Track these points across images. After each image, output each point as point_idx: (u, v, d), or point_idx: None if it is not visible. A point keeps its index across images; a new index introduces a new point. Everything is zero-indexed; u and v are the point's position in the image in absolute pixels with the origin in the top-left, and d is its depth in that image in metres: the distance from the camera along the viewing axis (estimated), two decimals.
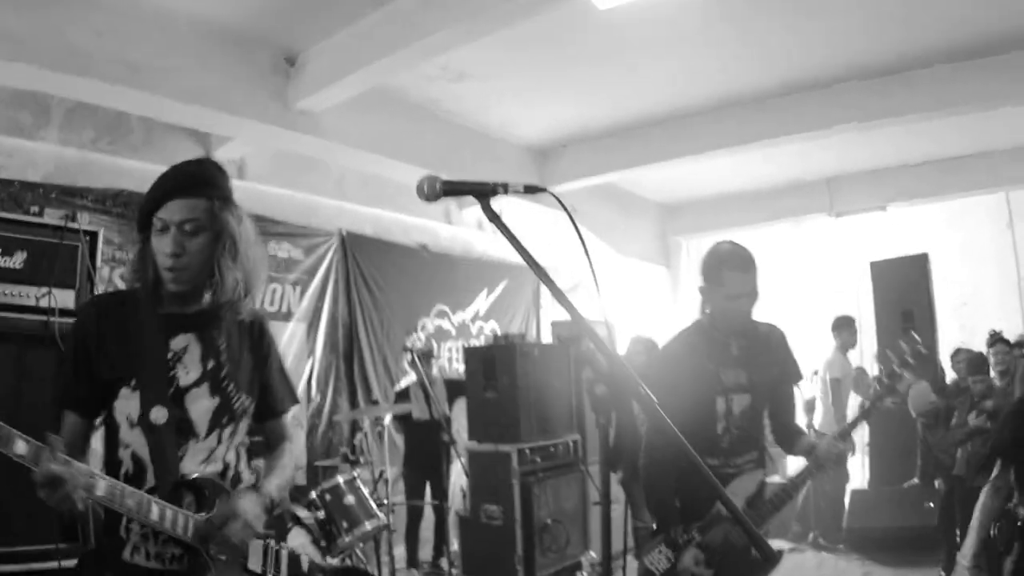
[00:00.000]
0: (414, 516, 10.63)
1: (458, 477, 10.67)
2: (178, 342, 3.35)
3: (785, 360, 5.15)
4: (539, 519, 8.84)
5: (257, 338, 3.67)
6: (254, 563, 3.37)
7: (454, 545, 9.74)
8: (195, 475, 3.25)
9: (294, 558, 3.58)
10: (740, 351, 4.99)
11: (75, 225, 6.09)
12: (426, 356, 10.66)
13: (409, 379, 11.37)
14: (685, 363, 4.97)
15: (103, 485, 2.91)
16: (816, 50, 9.66)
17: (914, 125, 10.94)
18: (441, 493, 10.03)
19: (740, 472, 4.89)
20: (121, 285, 8.85)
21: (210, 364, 3.39)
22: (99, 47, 7.63)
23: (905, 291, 11.49)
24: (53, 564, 5.46)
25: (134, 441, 3.23)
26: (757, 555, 3.60)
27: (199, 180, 3.33)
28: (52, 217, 7.07)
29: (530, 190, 2.69)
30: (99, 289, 6.38)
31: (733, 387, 4.93)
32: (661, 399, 2.49)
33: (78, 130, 8.94)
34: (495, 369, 9.27)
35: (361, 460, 8.72)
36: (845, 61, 9.98)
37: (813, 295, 16.07)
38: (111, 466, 3.26)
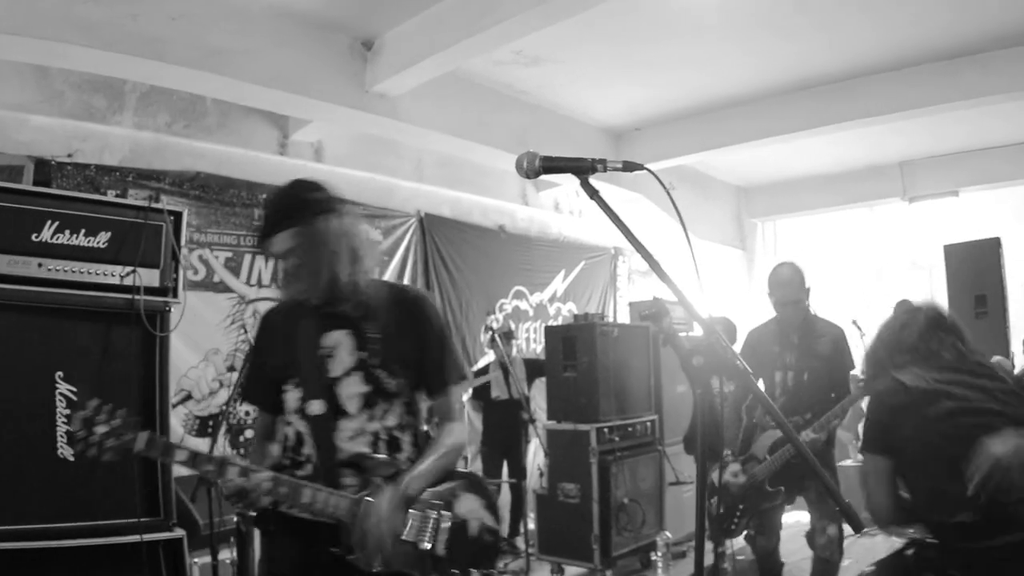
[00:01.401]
0: None
1: (536, 456, 10.74)
2: (330, 339, 3.66)
3: (836, 352, 6.87)
4: (616, 498, 8.89)
5: (414, 315, 3.86)
6: (408, 534, 3.52)
7: (530, 523, 9.77)
8: (356, 454, 3.56)
9: (458, 525, 3.68)
10: (799, 340, 6.91)
11: (159, 205, 6.26)
12: (507, 336, 10.72)
13: (487, 359, 11.46)
14: (760, 344, 7.14)
15: (255, 478, 3.35)
16: (889, 33, 9.58)
17: (986, 108, 10.84)
18: (519, 471, 10.09)
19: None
20: (199, 266, 9.08)
21: (361, 355, 3.65)
22: (173, 32, 7.75)
23: (978, 275, 11.33)
24: (135, 537, 5.59)
25: (295, 422, 3.67)
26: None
27: (288, 213, 3.61)
28: (134, 199, 7.20)
29: (629, 167, 2.70)
30: (183, 269, 6.51)
31: (789, 365, 6.88)
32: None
33: (153, 114, 9.06)
34: (575, 348, 9.31)
35: None
36: (919, 44, 9.88)
37: (888, 280, 15.97)
38: (283, 438, 3.76)
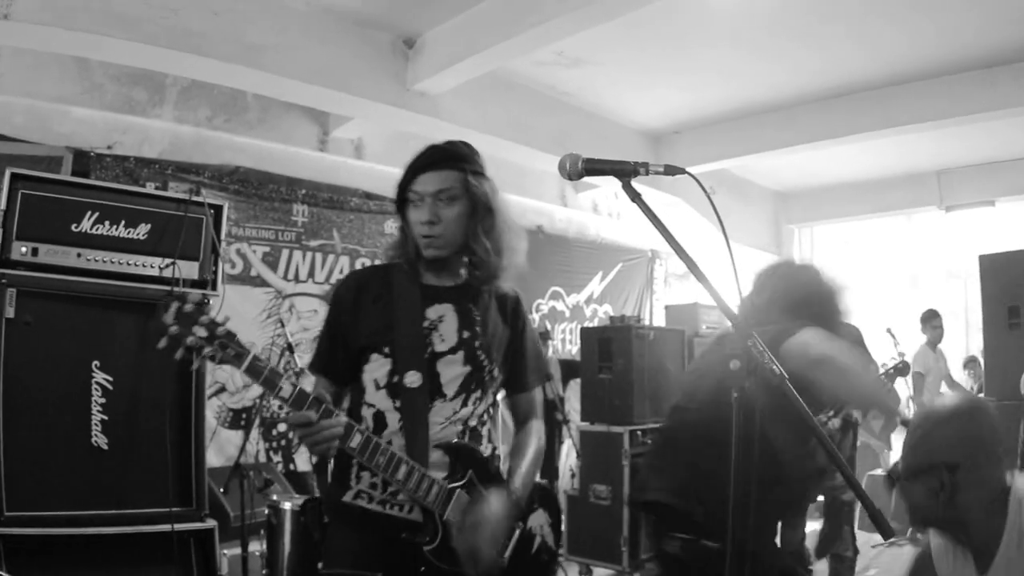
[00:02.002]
0: None
1: (568, 457, 10.74)
2: (435, 311, 3.47)
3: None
4: None
5: (512, 313, 3.70)
6: None
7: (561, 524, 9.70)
8: (452, 440, 3.37)
9: (525, 537, 3.52)
10: None
11: (200, 199, 6.26)
12: (543, 336, 10.74)
13: None
14: None
15: (358, 439, 3.13)
16: (928, 42, 9.54)
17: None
18: (551, 472, 10.10)
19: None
20: (237, 260, 9.11)
21: (465, 334, 3.48)
22: (215, 27, 7.80)
23: (1012, 286, 11.23)
24: (167, 527, 5.62)
25: (378, 402, 3.39)
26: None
27: (450, 155, 3.46)
28: (175, 192, 7.24)
29: (670, 171, 2.69)
30: (222, 262, 6.53)
31: None
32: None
33: (193, 108, 9.14)
34: (610, 350, 9.27)
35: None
36: (956, 53, 9.84)
37: (923, 288, 15.93)
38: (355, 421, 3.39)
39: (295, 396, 3.02)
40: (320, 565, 3.49)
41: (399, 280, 3.52)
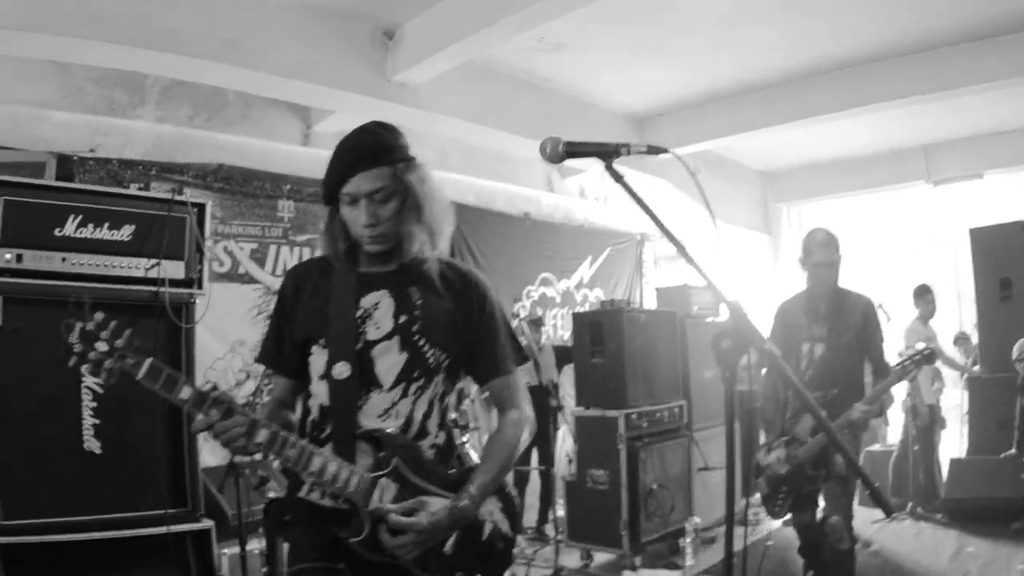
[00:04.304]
0: (520, 482, 10.63)
1: (564, 442, 10.73)
2: (369, 299, 3.35)
3: (866, 321, 6.74)
4: (644, 484, 8.87)
5: (462, 291, 3.50)
6: None
7: (559, 510, 9.77)
8: (375, 429, 3.22)
9: (471, 525, 3.31)
10: (827, 311, 6.74)
11: (183, 198, 6.26)
12: (535, 323, 10.74)
13: None
14: (789, 316, 7.06)
15: (263, 434, 3.04)
16: (913, 16, 9.53)
17: (1011, 90, 10.79)
18: (548, 459, 10.10)
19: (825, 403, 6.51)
20: (224, 258, 9.07)
21: (402, 319, 3.33)
22: (193, 26, 7.76)
23: (1003, 259, 11.25)
24: (162, 529, 5.61)
25: (319, 392, 3.32)
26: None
27: (380, 149, 3.30)
28: (158, 192, 7.21)
29: (653, 150, 2.67)
30: (208, 260, 6.50)
31: (817, 336, 6.74)
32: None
33: (174, 107, 9.12)
34: (602, 335, 9.29)
35: (470, 425, 8.81)
36: (941, 26, 9.83)
37: (913, 263, 15.96)
38: (304, 413, 3.44)
39: (194, 398, 3.01)
40: (286, 563, 3.42)
41: (337, 270, 3.44)
